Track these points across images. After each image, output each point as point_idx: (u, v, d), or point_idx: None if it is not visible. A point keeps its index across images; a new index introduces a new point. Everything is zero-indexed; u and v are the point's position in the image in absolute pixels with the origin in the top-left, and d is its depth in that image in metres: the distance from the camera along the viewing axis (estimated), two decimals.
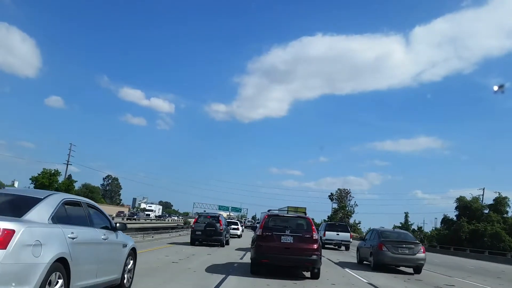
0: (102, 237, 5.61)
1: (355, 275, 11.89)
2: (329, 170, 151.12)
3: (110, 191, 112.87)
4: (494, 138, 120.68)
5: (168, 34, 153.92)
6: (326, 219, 72.75)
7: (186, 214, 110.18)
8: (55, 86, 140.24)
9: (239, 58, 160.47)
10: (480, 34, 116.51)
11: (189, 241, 19.78)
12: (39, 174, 54.40)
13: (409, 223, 65.84)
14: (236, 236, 29.80)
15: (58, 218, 4.66)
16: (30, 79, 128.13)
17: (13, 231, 3.81)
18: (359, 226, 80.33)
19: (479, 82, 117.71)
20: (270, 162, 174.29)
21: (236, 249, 18.72)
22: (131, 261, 6.73)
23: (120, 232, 6.37)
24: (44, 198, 4.70)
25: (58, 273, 4.36)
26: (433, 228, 64.18)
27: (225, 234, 20.39)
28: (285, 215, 12.14)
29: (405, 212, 67.34)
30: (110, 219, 6.29)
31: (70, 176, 64.89)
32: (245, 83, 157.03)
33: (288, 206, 41.38)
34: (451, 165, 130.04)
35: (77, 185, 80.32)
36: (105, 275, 5.66)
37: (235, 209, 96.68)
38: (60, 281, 4.42)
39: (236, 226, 31.20)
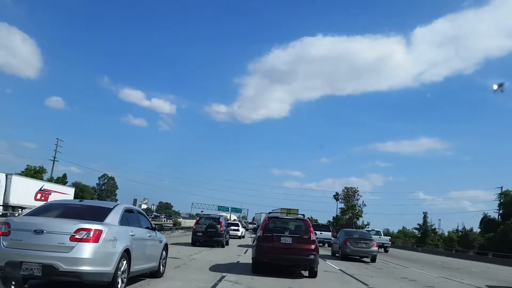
0: (148, 235, 7.81)
1: (328, 263, 16.48)
2: (330, 171, 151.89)
3: (106, 190, 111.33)
4: (496, 139, 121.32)
5: (169, 35, 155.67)
6: (331, 220, 73.81)
7: (178, 214, 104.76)
8: (56, 86, 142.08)
9: (240, 58, 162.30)
10: (481, 34, 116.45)
11: (188, 241, 21.12)
12: (22, 172, 50.91)
13: (428, 223, 63.29)
14: (237, 237, 32.11)
15: (123, 221, 6.85)
16: (31, 80, 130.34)
17: (101, 231, 5.98)
18: (368, 228, 77.84)
19: (481, 82, 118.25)
20: (271, 163, 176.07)
21: (237, 246, 20.63)
22: (165, 254, 8.93)
23: (157, 232, 8.56)
24: (113, 207, 6.88)
25: (124, 259, 6.54)
26: (439, 230, 64.61)
27: (225, 235, 21.66)
28: (284, 217, 13.32)
29: (423, 212, 64.26)
30: (151, 221, 8.49)
31: (65, 175, 65.32)
32: (246, 83, 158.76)
33: (281, 208, 44.58)
34: (453, 166, 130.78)
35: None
36: (149, 263, 7.87)
37: (235, 210, 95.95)
38: (126, 264, 6.59)
39: (236, 228, 33.38)
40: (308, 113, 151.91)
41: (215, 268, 11.67)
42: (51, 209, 6.72)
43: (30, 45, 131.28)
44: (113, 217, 6.65)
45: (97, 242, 5.88)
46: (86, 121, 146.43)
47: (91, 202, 7.60)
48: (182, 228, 38.46)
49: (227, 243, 22.18)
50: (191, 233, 22.47)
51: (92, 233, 5.87)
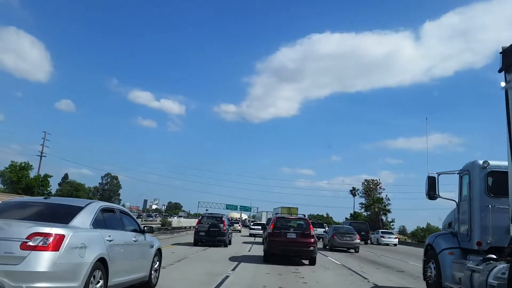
0: (133, 239, 6.64)
1: (320, 252, 18.24)
2: (341, 168, 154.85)
3: (108, 190, 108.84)
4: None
5: (177, 36, 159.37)
6: (349, 217, 70.97)
7: (168, 213, 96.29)
8: (65, 89, 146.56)
9: (248, 58, 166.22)
10: (492, 27, 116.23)
11: (190, 241, 21.27)
12: (6, 168, 48.10)
13: None
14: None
15: (97, 223, 5.69)
16: (41, 83, 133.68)
17: (63, 236, 4.82)
18: (392, 225, 69.43)
19: (492, 76, 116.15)
20: (281, 161, 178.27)
21: (242, 243, 21.41)
22: (157, 261, 7.77)
23: (147, 235, 7.40)
24: (85, 206, 5.72)
25: (99, 271, 5.38)
26: None
27: (228, 235, 21.72)
28: (289, 217, 16.79)
29: None
30: (139, 223, 7.34)
31: (66, 175, 63.39)
32: (255, 83, 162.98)
33: (281, 207, 49.70)
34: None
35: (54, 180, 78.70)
36: (136, 272, 6.71)
37: (244, 208, 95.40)
38: (101, 277, 5.44)
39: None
40: (318, 111, 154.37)
41: (226, 258, 14.15)
42: (3, 210, 5.61)
43: (39, 49, 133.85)
44: (83, 218, 5.50)
45: (58, 250, 4.72)
46: (96, 123, 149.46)
47: (59, 200, 6.44)
48: (165, 229, 32.95)
49: (229, 242, 22.37)
50: (171, 235, 23.75)
51: (51, 238, 4.71)
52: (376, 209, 66.94)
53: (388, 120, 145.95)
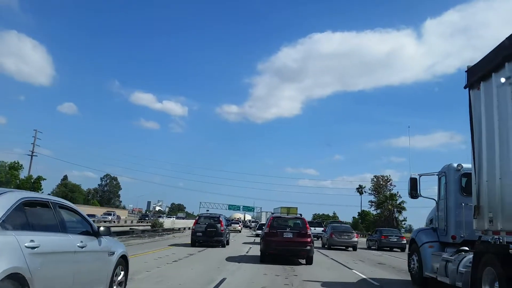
0: (78, 244, 4.93)
1: (318, 251, 19.43)
2: (345, 168, 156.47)
3: (108, 192, 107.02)
4: None
5: (178, 37, 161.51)
6: (356, 216, 68.58)
7: (155, 213, 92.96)
8: (68, 92, 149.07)
9: (249, 58, 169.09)
10: (493, 23, 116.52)
11: (188, 242, 21.21)
12: None
13: None
14: None
15: (12, 222, 3.98)
16: (44, 87, 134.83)
17: None
18: (404, 224, 65.69)
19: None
20: (285, 161, 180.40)
21: (242, 244, 22.07)
22: (121, 271, 6.10)
23: (105, 238, 5.72)
24: None
25: None
26: None
27: (226, 235, 21.61)
28: (285, 216, 16.97)
29: None
30: (92, 222, 5.63)
31: (66, 176, 61.07)
32: (257, 83, 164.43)
33: (281, 207, 51.11)
34: (468, 159, 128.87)
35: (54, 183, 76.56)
36: None
37: (247, 208, 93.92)
38: None
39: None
40: (320, 110, 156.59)
41: (228, 259, 14.03)
42: None
43: (41, 52, 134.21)
44: None
45: None
46: (99, 125, 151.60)
47: None
48: (142, 231, 26.37)
49: (227, 243, 22.06)
50: (151, 238, 23.20)
51: None
52: (390, 207, 62.56)
53: (391, 118, 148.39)
